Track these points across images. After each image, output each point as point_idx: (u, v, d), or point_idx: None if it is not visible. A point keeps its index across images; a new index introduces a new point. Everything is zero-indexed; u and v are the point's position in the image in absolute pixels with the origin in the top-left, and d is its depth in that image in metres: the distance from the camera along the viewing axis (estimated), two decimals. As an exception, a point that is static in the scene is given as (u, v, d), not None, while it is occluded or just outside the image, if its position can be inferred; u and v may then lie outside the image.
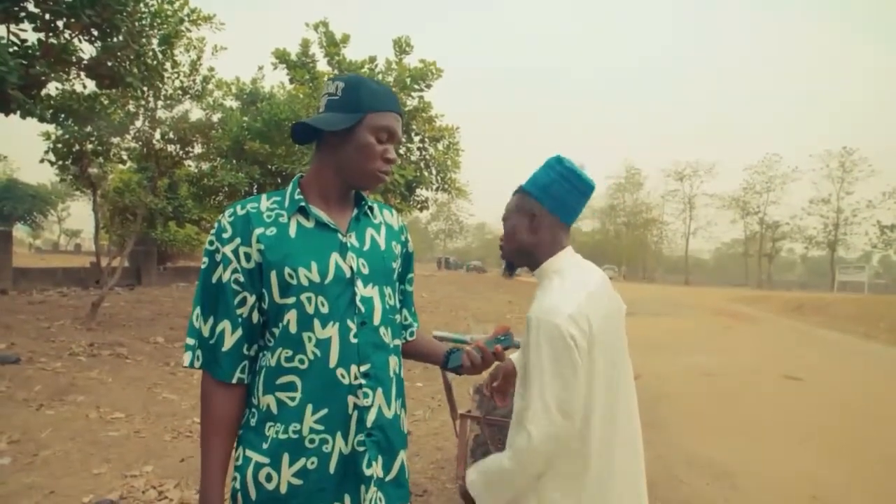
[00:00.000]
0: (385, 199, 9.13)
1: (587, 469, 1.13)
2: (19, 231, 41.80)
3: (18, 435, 3.84)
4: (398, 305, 1.22)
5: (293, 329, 1.03)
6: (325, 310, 1.04)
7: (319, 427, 1.03)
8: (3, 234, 13.22)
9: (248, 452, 1.04)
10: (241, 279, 1.05)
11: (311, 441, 1.02)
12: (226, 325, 1.05)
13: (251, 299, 1.06)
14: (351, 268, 1.08)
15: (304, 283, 1.03)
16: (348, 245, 1.09)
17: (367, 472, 1.05)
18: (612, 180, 60.86)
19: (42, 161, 9.46)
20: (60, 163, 9.72)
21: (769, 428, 4.89)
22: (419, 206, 10.61)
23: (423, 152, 10.28)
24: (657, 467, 3.74)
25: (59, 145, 9.36)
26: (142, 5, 7.12)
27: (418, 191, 10.17)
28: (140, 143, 9.85)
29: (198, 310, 1.06)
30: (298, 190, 1.12)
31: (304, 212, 1.09)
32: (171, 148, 10.12)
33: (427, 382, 6.23)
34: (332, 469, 1.03)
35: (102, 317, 8.65)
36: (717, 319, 15.49)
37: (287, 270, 1.03)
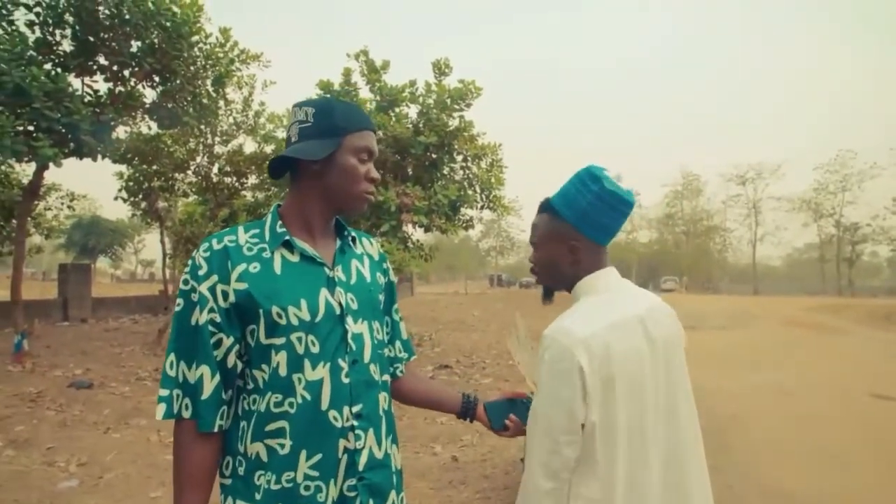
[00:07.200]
0: (429, 220, 9.16)
1: (614, 497, 1.01)
2: (102, 263, 45.55)
3: (86, 458, 4.08)
4: (386, 339, 1.20)
5: (283, 371, 0.98)
6: (315, 349, 0.99)
7: (314, 473, 0.98)
8: (84, 268, 14.39)
9: (241, 503, 0.99)
10: (218, 320, 0.99)
11: (307, 488, 0.98)
12: (204, 370, 0.98)
13: (227, 341, 0.99)
14: (340, 304, 1.04)
15: (294, 322, 0.98)
16: (336, 280, 1.05)
17: None
18: (668, 188, 58.28)
19: (116, 198, 10.34)
20: (132, 199, 10.60)
21: (857, 455, 4.38)
22: (464, 225, 10.58)
23: (466, 171, 10.28)
24: (726, 500, 3.40)
25: (131, 183, 10.20)
26: (196, 50, 7.66)
27: (462, 210, 10.15)
28: (199, 177, 10.51)
29: (172, 357, 0.99)
30: (280, 222, 1.06)
31: (288, 245, 1.04)
32: (227, 180, 10.74)
33: (476, 404, 6.09)
34: None
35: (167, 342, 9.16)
36: (793, 331, 14.32)
37: (275, 310, 0.98)
